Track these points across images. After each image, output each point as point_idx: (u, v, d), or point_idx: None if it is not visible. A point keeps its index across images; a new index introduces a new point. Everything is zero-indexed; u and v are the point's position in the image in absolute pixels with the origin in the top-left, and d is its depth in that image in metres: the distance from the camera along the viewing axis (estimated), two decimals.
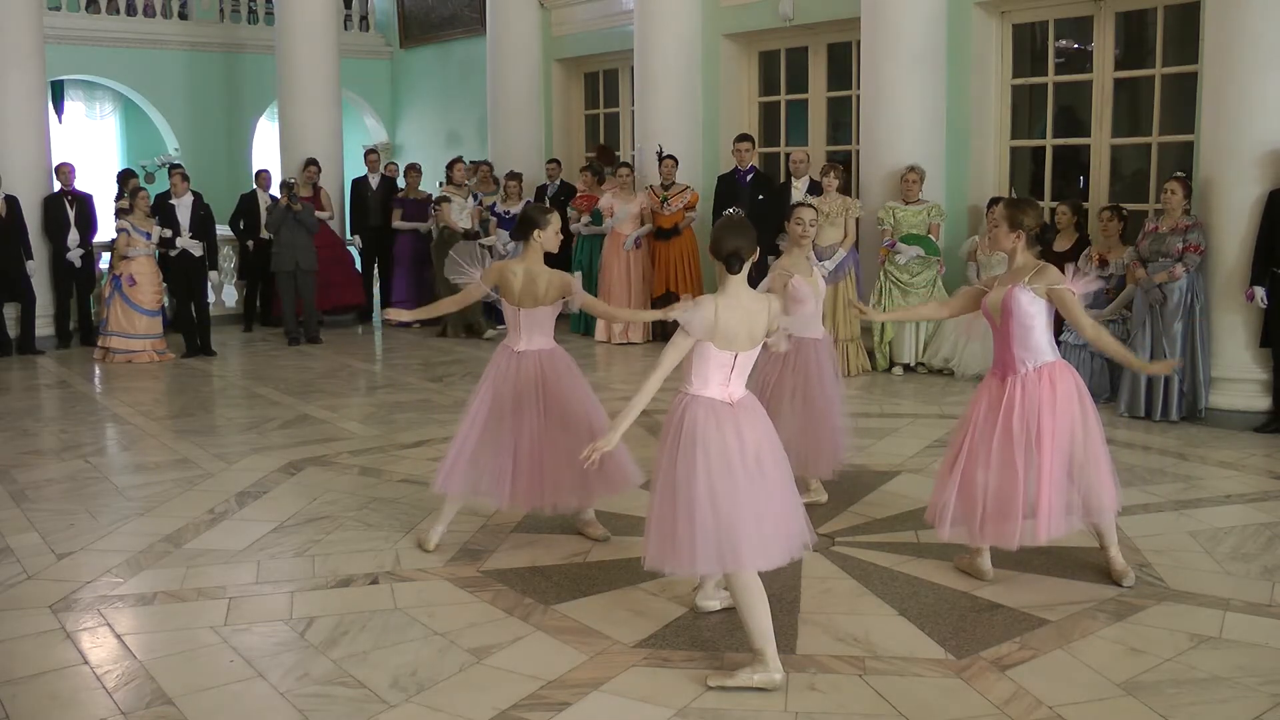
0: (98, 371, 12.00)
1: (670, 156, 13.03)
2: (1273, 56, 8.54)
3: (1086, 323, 5.43)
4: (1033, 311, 5.39)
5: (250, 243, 14.49)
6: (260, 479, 7.63)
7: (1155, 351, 9.02)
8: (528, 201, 13.30)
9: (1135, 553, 6.01)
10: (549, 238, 6.04)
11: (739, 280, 4.64)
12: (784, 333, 5.02)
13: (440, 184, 15.89)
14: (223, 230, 14.42)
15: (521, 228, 6.11)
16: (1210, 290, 9.02)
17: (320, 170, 14.04)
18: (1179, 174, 9.36)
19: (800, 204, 6.86)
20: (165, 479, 7.68)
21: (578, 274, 6.16)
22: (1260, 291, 8.66)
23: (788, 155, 13.15)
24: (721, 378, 4.61)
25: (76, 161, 14.05)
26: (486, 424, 6.07)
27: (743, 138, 12.50)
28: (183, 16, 19.04)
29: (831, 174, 11.09)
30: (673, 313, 4.62)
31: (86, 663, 4.86)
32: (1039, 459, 5.33)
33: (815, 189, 11.38)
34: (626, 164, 13.71)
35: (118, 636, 5.12)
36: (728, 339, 4.57)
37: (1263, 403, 8.86)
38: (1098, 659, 4.83)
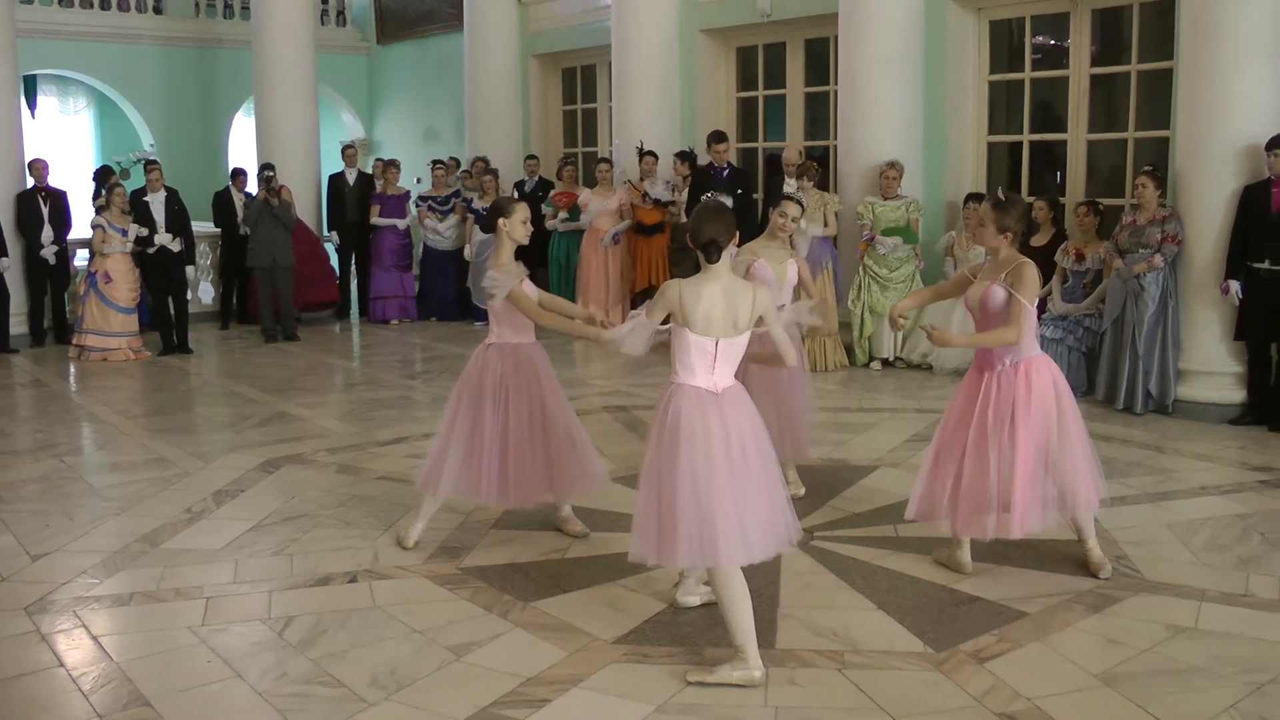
0: (73, 370, 11.93)
1: (650, 152, 13.02)
2: (1246, 53, 8.59)
3: (1009, 329, 5.39)
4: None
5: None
6: (238, 477, 7.60)
7: (1123, 343, 9.12)
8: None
9: (1112, 545, 6.04)
10: (515, 226, 6.00)
11: (719, 266, 4.63)
12: (810, 304, 4.99)
13: (417, 180, 15.87)
14: (200, 226, 14.32)
15: (490, 218, 6.10)
16: (1185, 284, 9.07)
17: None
18: (1148, 168, 9.42)
19: (789, 197, 6.86)
20: (141, 478, 7.63)
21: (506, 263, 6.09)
22: (1235, 285, 8.71)
23: (768, 152, 13.21)
24: (705, 366, 4.60)
25: (50, 158, 13.94)
26: (457, 419, 6.07)
27: (719, 138, 12.41)
28: (157, 11, 18.92)
29: (805, 176, 11.14)
30: (603, 335, 4.63)
31: (62, 665, 4.82)
32: (1014, 454, 5.36)
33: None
34: (605, 159, 13.70)
35: (94, 638, 5.09)
36: (704, 324, 4.55)
37: (1237, 395, 8.92)
38: (1076, 650, 4.86)
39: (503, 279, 5.93)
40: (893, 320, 5.89)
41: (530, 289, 6.05)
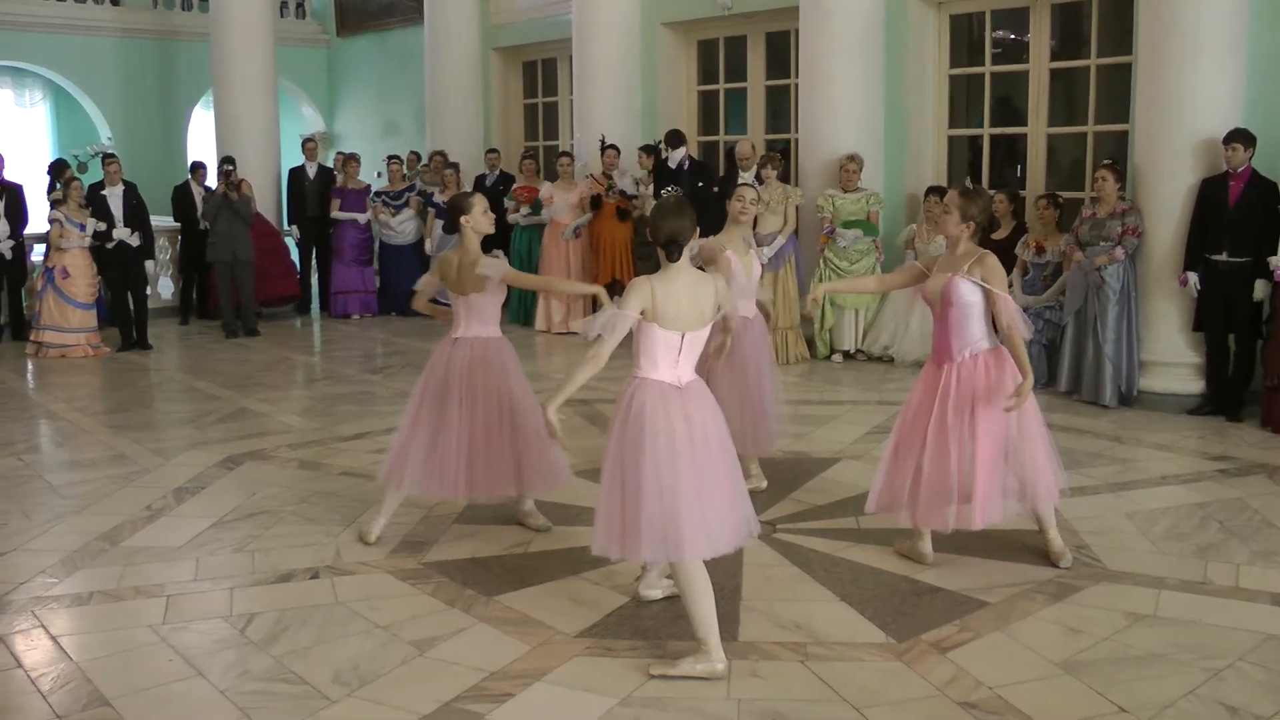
0: (30, 367, 11.79)
1: (613, 146, 13.02)
2: (1204, 48, 8.68)
3: (1010, 332, 5.45)
4: (972, 300, 5.44)
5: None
6: (198, 474, 7.54)
7: (1085, 336, 9.18)
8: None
9: (1073, 534, 6.09)
10: (477, 219, 6.00)
11: (680, 263, 4.62)
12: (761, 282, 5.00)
13: (378, 174, 15.79)
14: (159, 220, 14.19)
15: (450, 218, 6.11)
16: (1144, 276, 9.15)
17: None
18: (1107, 161, 9.50)
19: (744, 184, 6.92)
20: (101, 475, 7.57)
21: (497, 253, 6.14)
22: (1193, 277, 8.80)
23: (730, 147, 13.23)
24: (670, 360, 4.59)
25: (6, 151, 13.76)
26: (421, 413, 6.06)
27: (676, 142, 12.43)
28: (115, 3, 18.71)
29: (769, 165, 11.15)
30: (597, 318, 4.58)
31: (21, 666, 4.77)
32: (974, 445, 5.39)
33: (758, 179, 11.40)
34: (567, 153, 13.69)
35: (53, 638, 5.03)
36: (673, 319, 4.54)
37: (1196, 386, 9.02)
38: (1037, 639, 4.91)
39: (494, 263, 5.96)
40: (808, 306, 5.98)
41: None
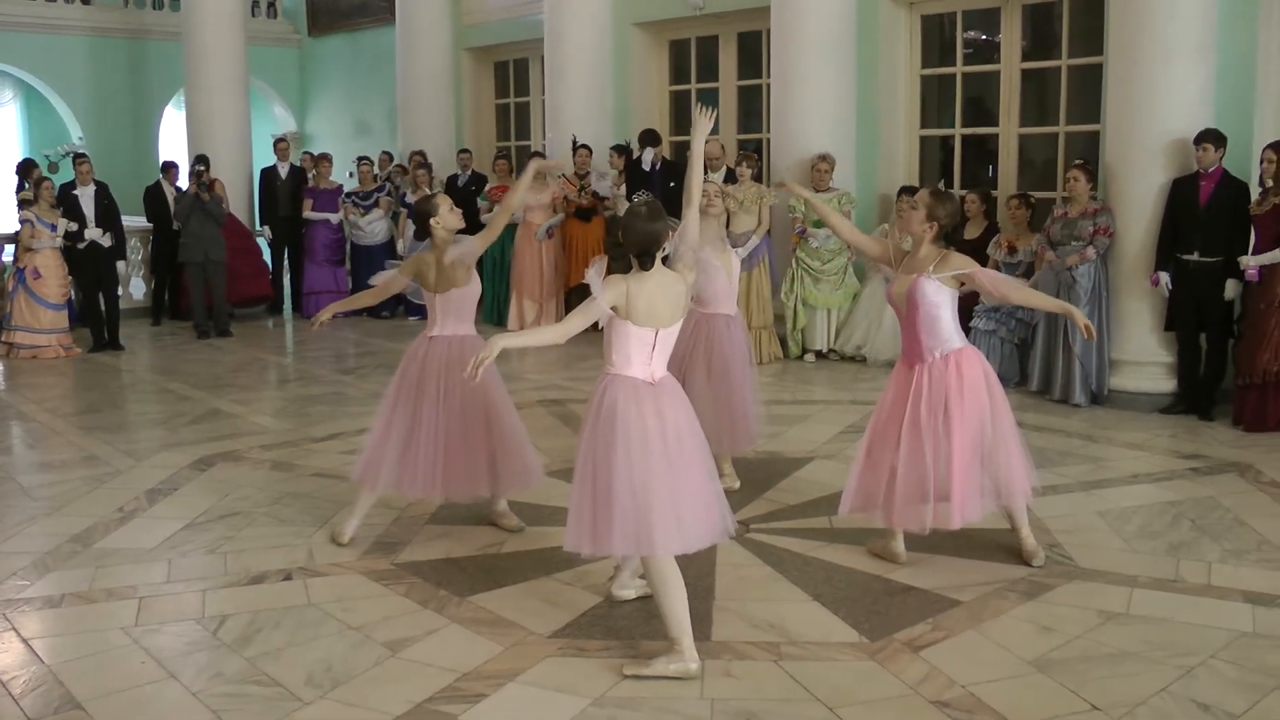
0: (1, 368, 11.71)
1: (585, 146, 13.02)
2: (1174, 49, 8.73)
3: (1009, 291, 5.50)
4: (938, 300, 5.45)
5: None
6: (170, 475, 7.50)
7: (1055, 335, 9.24)
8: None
9: (1045, 533, 6.12)
10: (445, 217, 6.00)
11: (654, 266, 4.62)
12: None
13: (350, 174, 15.75)
14: (131, 220, 14.11)
15: (419, 224, 6.11)
16: (1115, 276, 9.21)
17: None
18: (1079, 161, 9.56)
19: (707, 180, 6.89)
20: (73, 477, 7.52)
21: (459, 237, 6.15)
22: (1165, 277, 8.85)
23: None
24: (643, 356, 4.59)
25: None
26: (395, 412, 6.05)
27: (650, 141, 12.44)
28: (85, 1, 18.60)
29: (744, 164, 11.17)
30: (590, 281, 4.54)
31: None
32: (950, 445, 5.40)
33: (731, 178, 11.42)
34: (539, 153, 13.68)
35: (24, 641, 5.00)
36: (648, 316, 4.55)
37: (1167, 385, 9.07)
38: (1009, 637, 4.93)
39: (462, 242, 5.98)
40: (776, 184, 5.98)
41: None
